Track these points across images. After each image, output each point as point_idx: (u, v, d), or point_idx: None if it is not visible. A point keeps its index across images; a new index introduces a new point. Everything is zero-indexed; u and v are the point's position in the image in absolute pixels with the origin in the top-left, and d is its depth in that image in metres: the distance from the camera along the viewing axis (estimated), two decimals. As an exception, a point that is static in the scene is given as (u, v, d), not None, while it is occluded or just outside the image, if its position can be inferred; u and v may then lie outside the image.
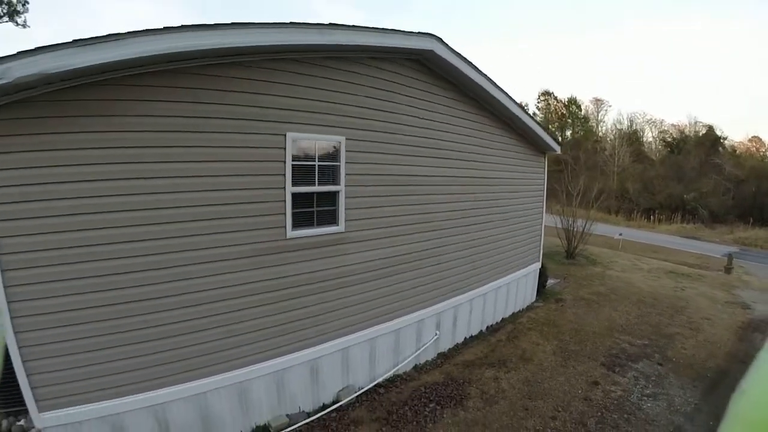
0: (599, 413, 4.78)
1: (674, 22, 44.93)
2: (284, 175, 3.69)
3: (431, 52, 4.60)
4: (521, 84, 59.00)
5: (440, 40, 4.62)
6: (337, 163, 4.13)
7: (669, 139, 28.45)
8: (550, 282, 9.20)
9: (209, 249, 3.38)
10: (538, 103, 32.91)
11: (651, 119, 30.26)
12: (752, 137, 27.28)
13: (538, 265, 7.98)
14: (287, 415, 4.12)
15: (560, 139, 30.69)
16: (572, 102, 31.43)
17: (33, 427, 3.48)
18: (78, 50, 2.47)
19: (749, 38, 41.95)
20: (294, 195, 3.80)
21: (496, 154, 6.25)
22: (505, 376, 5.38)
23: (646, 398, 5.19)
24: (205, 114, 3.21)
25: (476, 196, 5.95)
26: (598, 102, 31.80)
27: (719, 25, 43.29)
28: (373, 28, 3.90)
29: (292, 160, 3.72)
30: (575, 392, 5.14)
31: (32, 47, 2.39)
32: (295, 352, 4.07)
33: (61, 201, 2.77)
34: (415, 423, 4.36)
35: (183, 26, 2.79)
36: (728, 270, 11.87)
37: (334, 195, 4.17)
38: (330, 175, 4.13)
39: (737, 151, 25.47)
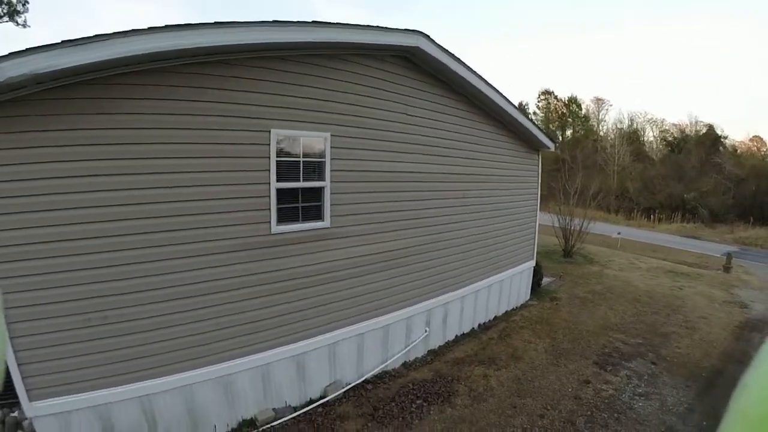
0: (589, 412, 4.68)
1: (675, 22, 44.49)
2: (269, 171, 3.70)
3: (417, 48, 4.55)
4: (522, 84, 58.65)
5: (426, 36, 4.56)
6: (323, 160, 4.12)
7: (670, 139, 28.10)
8: (546, 280, 9.09)
9: (194, 243, 3.40)
10: (539, 102, 32.74)
11: (652, 118, 29.98)
12: (753, 137, 26.92)
13: (533, 263, 7.87)
14: (274, 409, 4.11)
15: (561, 138, 30.51)
16: (572, 101, 31.15)
17: (26, 419, 3.48)
18: (66, 51, 2.51)
19: (749, 38, 41.40)
20: (279, 190, 3.81)
21: (487, 151, 6.16)
22: (494, 373, 5.30)
23: (638, 397, 5.08)
24: (190, 111, 3.23)
25: (467, 193, 5.87)
26: (599, 101, 31.52)
27: (719, 25, 42.76)
28: (356, 25, 3.88)
29: (277, 156, 3.73)
30: (565, 391, 5.04)
31: (23, 48, 2.44)
32: (280, 346, 4.05)
33: (50, 197, 2.82)
34: (401, 419, 4.31)
35: (167, 26, 2.81)
36: (727, 269, 11.67)
37: (319, 191, 4.16)
38: (315, 170, 4.12)
39: (738, 151, 25.09)
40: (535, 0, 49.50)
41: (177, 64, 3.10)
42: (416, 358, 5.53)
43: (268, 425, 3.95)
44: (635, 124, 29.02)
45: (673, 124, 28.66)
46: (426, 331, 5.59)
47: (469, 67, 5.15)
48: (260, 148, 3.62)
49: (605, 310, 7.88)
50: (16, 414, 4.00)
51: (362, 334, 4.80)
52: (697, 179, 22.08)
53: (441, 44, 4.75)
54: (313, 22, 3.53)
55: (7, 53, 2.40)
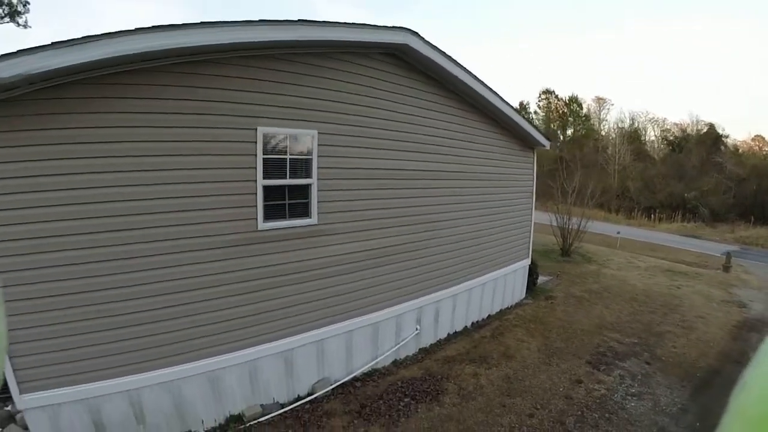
0: (579, 412, 4.59)
1: (675, 21, 43.84)
2: (255, 168, 3.68)
3: (406, 45, 4.50)
4: (523, 83, 58.13)
5: (415, 33, 4.50)
6: (310, 157, 4.10)
7: (671, 138, 27.71)
8: (542, 279, 8.98)
9: (180, 240, 3.40)
10: (539, 101, 32.38)
11: (653, 118, 29.59)
12: (755, 136, 26.43)
13: (528, 261, 7.76)
14: (261, 406, 4.10)
15: (562, 137, 30.21)
16: (573, 100, 30.79)
17: (19, 411, 3.48)
18: (57, 52, 2.55)
19: (750, 38, 40.72)
20: (266, 188, 3.79)
21: (480, 148, 6.07)
22: (485, 372, 5.22)
23: (630, 397, 4.98)
24: (178, 110, 3.25)
25: (459, 190, 5.79)
26: (600, 101, 31.14)
27: (720, 25, 42.09)
28: (343, 23, 3.85)
29: (264, 154, 3.71)
30: (556, 390, 4.96)
31: (16, 49, 2.49)
32: (267, 342, 4.03)
33: (37, 193, 2.85)
34: (387, 417, 4.26)
35: (154, 27, 2.84)
36: (727, 268, 11.47)
37: (306, 188, 4.14)
38: (303, 168, 4.10)
39: (740, 150, 24.67)
40: (535, 0, 49.02)
41: (167, 64, 3.12)
42: (407, 356, 5.47)
43: (255, 421, 3.93)
44: (636, 124, 28.73)
45: (675, 124, 28.33)
46: (417, 329, 5.53)
47: (459, 64, 5.07)
48: (247, 146, 3.61)
49: (601, 309, 7.76)
50: (9, 408, 4.01)
51: (351, 331, 4.75)
52: (697, 178, 21.77)
53: (430, 41, 4.68)
54: (299, 20, 3.51)
55: (0, 54, 2.45)
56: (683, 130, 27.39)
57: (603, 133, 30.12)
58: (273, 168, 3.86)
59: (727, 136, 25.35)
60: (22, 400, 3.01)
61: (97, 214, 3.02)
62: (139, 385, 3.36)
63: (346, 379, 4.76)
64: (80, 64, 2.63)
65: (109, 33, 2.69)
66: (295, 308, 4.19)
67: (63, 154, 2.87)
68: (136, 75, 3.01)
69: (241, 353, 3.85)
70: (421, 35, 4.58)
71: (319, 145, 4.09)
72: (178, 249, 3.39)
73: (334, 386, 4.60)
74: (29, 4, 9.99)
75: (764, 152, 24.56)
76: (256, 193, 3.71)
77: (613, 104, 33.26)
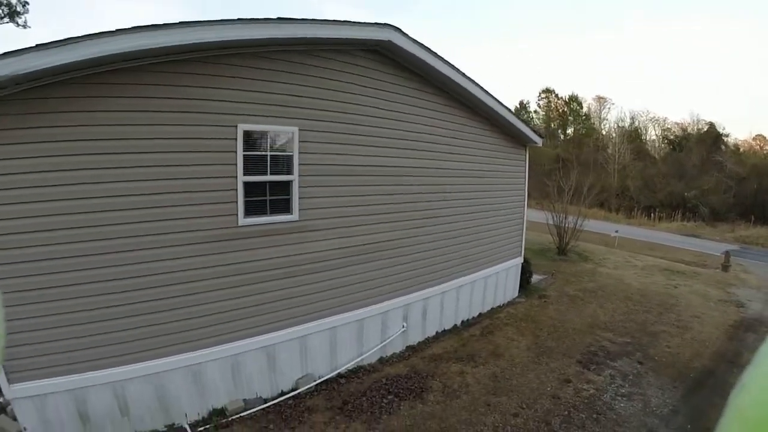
0: (566, 412, 4.45)
1: (676, 21, 43.03)
2: (236, 164, 3.68)
3: (390, 42, 4.43)
4: (523, 83, 57.49)
5: (398, 30, 4.42)
6: (290, 154, 4.08)
7: (671, 137, 27.21)
8: (537, 278, 8.81)
9: (163, 235, 3.42)
10: (539, 100, 31.96)
11: (654, 117, 29.07)
12: (756, 135, 25.87)
13: (520, 259, 7.60)
14: (244, 400, 4.08)
15: (562, 137, 29.80)
16: (573, 99, 30.35)
17: (10, 403, 3.46)
18: (42, 53, 2.59)
19: (750, 38, 39.84)
20: (246, 184, 3.77)
21: (469, 145, 5.94)
22: (471, 370, 5.10)
23: (620, 398, 4.83)
24: (159, 108, 3.29)
25: (446, 187, 5.66)
26: (600, 100, 30.67)
27: (720, 25, 41.25)
28: (324, 20, 3.85)
29: (244, 151, 3.70)
30: (544, 389, 4.82)
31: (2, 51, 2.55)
32: (249, 337, 4.01)
33: (24, 190, 2.85)
34: (369, 413, 4.18)
35: (135, 27, 2.89)
36: (725, 268, 11.19)
37: (287, 184, 4.11)
38: (283, 164, 4.08)
39: (740, 149, 24.14)
40: (535, 0, 48.30)
41: (149, 63, 3.15)
42: (393, 353, 5.37)
43: (238, 415, 3.90)
44: (637, 123, 28.25)
45: (676, 123, 27.82)
46: (403, 326, 5.42)
47: (444, 60, 4.96)
48: (227, 143, 3.61)
49: (595, 308, 7.58)
50: (0, 400, 3.99)
51: (334, 327, 4.67)
52: (698, 177, 21.34)
53: (414, 38, 4.58)
54: (278, 18, 3.50)
55: None
56: (684, 129, 26.90)
57: (603, 132, 29.69)
58: (254, 164, 3.86)
59: (727, 135, 24.91)
60: (10, 390, 3.04)
61: (83, 209, 3.06)
62: (123, 377, 3.38)
63: (330, 375, 4.68)
64: (63, 65, 2.67)
65: (91, 34, 2.73)
66: (276, 304, 4.15)
67: (50, 152, 2.90)
68: (120, 74, 3.05)
69: (223, 347, 3.85)
70: (405, 31, 4.48)
71: (300, 141, 4.07)
72: (160, 244, 3.40)
73: (317, 382, 4.54)
74: (28, 4, 10.05)
75: (765, 151, 24.02)
76: (236, 190, 3.70)
77: (613, 104, 32.75)
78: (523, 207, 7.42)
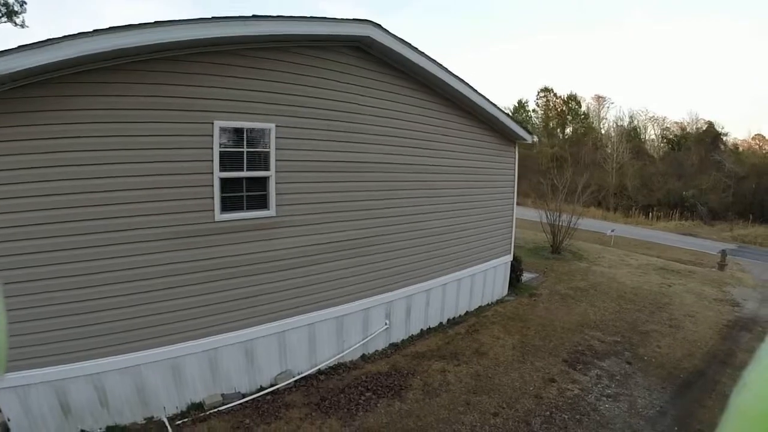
0: (548, 412, 4.27)
1: (676, 21, 42.18)
2: (212, 161, 3.64)
3: (369, 38, 4.33)
4: (523, 82, 56.62)
5: (377, 25, 4.31)
6: (267, 150, 4.02)
7: (670, 137, 26.63)
8: (528, 276, 8.60)
9: (139, 230, 3.41)
10: (537, 99, 31.47)
11: (653, 116, 28.48)
12: (755, 135, 25.21)
13: (509, 257, 7.40)
14: (222, 395, 4.04)
15: (561, 136, 29.30)
16: (572, 98, 29.83)
17: None
18: (24, 54, 2.63)
19: (751, 38, 38.89)
20: (223, 180, 3.74)
21: (455, 141, 5.77)
22: (454, 369, 4.93)
23: (605, 399, 4.63)
24: (137, 106, 3.29)
25: (431, 183, 5.50)
26: (599, 99, 30.12)
27: (719, 25, 40.33)
28: (300, 17, 3.80)
29: (220, 147, 3.67)
30: (526, 389, 4.64)
31: None
32: (226, 332, 3.96)
33: (7, 186, 2.88)
34: (346, 410, 4.08)
35: (111, 27, 2.91)
36: (722, 267, 10.86)
37: (264, 180, 4.04)
38: (260, 160, 4.02)
39: (740, 149, 23.54)
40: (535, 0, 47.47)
41: (125, 62, 3.16)
42: (376, 351, 5.23)
43: (215, 409, 3.86)
44: (635, 122, 27.70)
45: (675, 123, 27.22)
46: (386, 323, 5.27)
47: (425, 55, 4.81)
48: (204, 140, 3.58)
49: (585, 307, 7.36)
50: None
51: (314, 324, 4.55)
52: (696, 177, 20.87)
53: (394, 33, 4.46)
54: (254, 16, 3.48)
55: None
56: (683, 129, 26.31)
57: (602, 131, 29.16)
58: (230, 161, 3.82)
59: (726, 135, 24.31)
60: (-7, 381, 3.01)
61: (62, 205, 3.07)
62: (102, 369, 3.37)
63: (310, 371, 4.57)
64: (44, 65, 2.71)
65: (70, 35, 2.77)
66: (254, 299, 4.07)
67: (30, 150, 2.93)
68: (97, 74, 3.08)
69: (200, 342, 3.81)
70: (384, 27, 4.35)
71: (277, 137, 4.01)
72: (138, 239, 3.39)
73: (296, 378, 4.44)
74: (26, 3, 10.05)
75: (764, 151, 23.40)
76: (212, 185, 3.66)
77: (612, 103, 32.10)
78: (513, 204, 7.22)
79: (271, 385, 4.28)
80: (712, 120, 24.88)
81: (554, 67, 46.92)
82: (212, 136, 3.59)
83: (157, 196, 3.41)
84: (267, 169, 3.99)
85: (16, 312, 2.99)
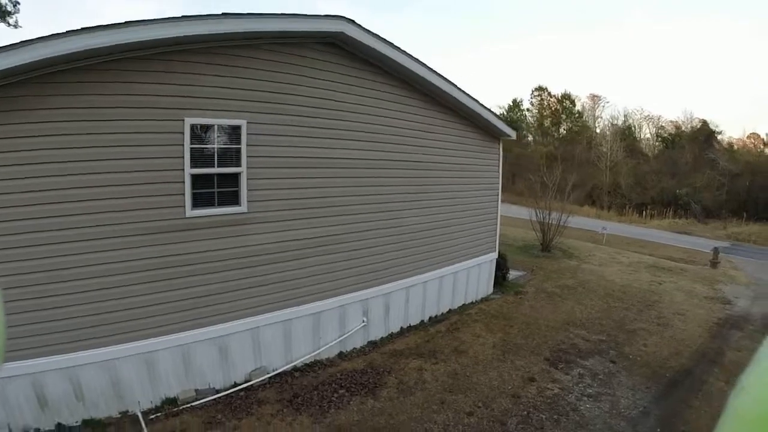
0: (525, 412, 4.06)
1: (675, 20, 41.57)
2: (183, 157, 3.60)
3: (343, 34, 4.20)
4: (520, 81, 55.94)
5: (351, 21, 4.19)
6: (239, 146, 3.93)
7: (665, 135, 26.16)
8: (515, 274, 8.36)
9: (112, 225, 3.38)
10: (532, 98, 31.04)
11: (648, 116, 27.99)
12: (750, 134, 24.69)
13: (494, 255, 7.17)
14: (196, 390, 3.97)
15: (557, 134, 28.83)
16: (566, 97, 29.39)
17: None
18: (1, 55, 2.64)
19: (750, 38, 38.19)
20: (194, 176, 3.68)
21: (434, 137, 5.59)
22: (431, 367, 4.73)
23: (586, 398, 4.40)
24: (108, 104, 3.27)
25: (411, 180, 5.32)
26: (595, 98, 29.66)
27: (720, 25, 39.66)
28: (270, 14, 3.74)
29: (191, 144, 3.63)
30: (504, 388, 4.42)
31: None
32: (199, 328, 3.88)
33: None
34: (318, 407, 3.93)
35: (84, 28, 2.91)
36: (714, 264, 10.53)
37: (236, 176, 3.94)
38: (232, 157, 3.93)
39: (735, 147, 23.04)
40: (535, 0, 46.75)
41: (96, 62, 3.15)
42: (354, 348, 5.04)
43: (188, 405, 3.79)
44: (630, 120, 27.24)
45: (670, 121, 26.73)
46: (364, 321, 5.08)
47: (402, 50, 4.67)
48: (174, 136, 3.55)
49: (572, 305, 7.11)
50: None
51: (289, 320, 4.41)
52: (690, 175, 20.42)
53: (369, 29, 4.33)
54: (223, 14, 3.45)
55: None
56: (677, 127, 25.81)
57: (598, 130, 28.70)
58: (201, 157, 3.76)
59: (720, 133, 23.80)
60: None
61: (33, 201, 3.06)
62: (77, 363, 3.33)
63: (285, 368, 4.43)
64: (20, 65, 2.72)
65: (44, 36, 2.78)
66: (226, 295, 3.97)
67: (9, 148, 2.93)
68: (73, 73, 3.09)
69: (173, 337, 3.73)
70: (358, 23, 4.21)
71: (249, 134, 3.93)
72: (109, 235, 3.37)
73: (271, 375, 4.31)
74: (19, 4, 10.00)
75: (759, 149, 22.88)
76: (184, 182, 3.62)
77: (608, 102, 31.51)
78: (497, 201, 7.00)
79: (246, 382, 4.17)
80: (706, 118, 24.41)
81: (554, 67, 46.39)
82: (183, 133, 3.54)
83: (129, 193, 3.38)
84: (238, 165, 3.91)
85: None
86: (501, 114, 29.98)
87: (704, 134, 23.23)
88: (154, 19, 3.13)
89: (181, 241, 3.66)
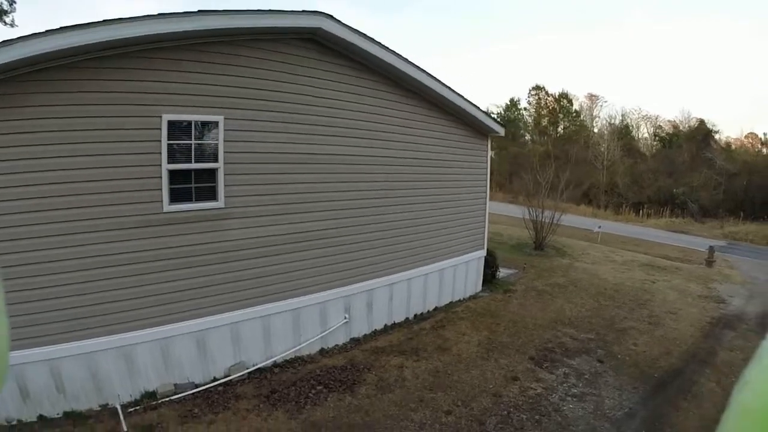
0: (505, 411, 3.88)
1: (675, 21, 40.77)
2: (160, 153, 3.58)
3: (320, 29, 4.09)
4: (523, 82, 55.18)
5: (329, 16, 4.07)
6: (216, 142, 3.86)
7: (663, 135, 25.61)
8: (505, 272, 8.14)
9: (91, 220, 3.36)
10: (529, 97, 30.54)
11: (646, 115, 27.45)
12: (748, 133, 24.08)
13: (483, 252, 6.98)
14: (175, 384, 3.89)
15: (555, 134, 28.33)
16: (563, 96, 28.89)
17: None
18: None
19: (750, 38, 37.30)
20: (172, 171, 3.65)
21: (418, 133, 5.43)
22: (412, 365, 4.56)
23: (570, 399, 4.21)
24: (87, 101, 3.26)
25: (393, 176, 5.17)
26: (593, 98, 29.14)
27: (720, 25, 38.83)
28: (246, 10, 3.67)
29: (169, 140, 3.60)
30: (486, 387, 4.25)
31: None
32: (178, 322, 3.82)
33: None
34: (294, 403, 3.82)
35: (62, 27, 2.90)
36: (710, 263, 10.21)
37: (213, 172, 3.87)
38: (209, 152, 3.87)
39: (732, 146, 22.48)
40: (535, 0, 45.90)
41: (77, 60, 3.13)
42: (336, 345, 4.90)
43: (167, 398, 3.77)
44: (627, 120, 26.71)
45: (668, 121, 26.18)
46: (345, 317, 4.93)
47: (382, 45, 4.53)
48: (152, 133, 3.53)
49: (561, 304, 6.89)
50: None
51: (268, 315, 4.29)
52: (687, 174, 19.95)
53: (348, 24, 4.20)
54: (199, 11, 3.43)
55: None
56: (675, 127, 25.27)
57: (596, 130, 28.19)
58: (179, 153, 3.72)
59: (717, 132, 23.24)
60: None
61: (13, 197, 3.04)
62: (57, 355, 3.30)
63: (265, 364, 4.32)
64: (6, 63, 2.73)
65: (23, 36, 2.79)
66: (205, 289, 3.90)
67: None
68: (51, 72, 3.07)
69: (152, 330, 3.69)
70: (336, 18, 4.08)
71: (226, 130, 3.87)
72: (90, 229, 3.34)
73: (250, 370, 4.21)
74: (15, 3, 9.99)
75: (757, 149, 22.30)
76: (161, 177, 3.59)
77: (606, 101, 30.87)
78: (485, 198, 6.80)
79: (225, 376, 4.09)
80: (704, 118, 23.86)
81: (553, 67, 45.68)
82: (161, 129, 3.52)
83: (107, 188, 3.36)
84: (215, 161, 3.85)
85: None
86: (498, 113, 29.61)
87: (702, 133, 22.72)
88: (130, 18, 3.11)
89: (159, 236, 3.62)
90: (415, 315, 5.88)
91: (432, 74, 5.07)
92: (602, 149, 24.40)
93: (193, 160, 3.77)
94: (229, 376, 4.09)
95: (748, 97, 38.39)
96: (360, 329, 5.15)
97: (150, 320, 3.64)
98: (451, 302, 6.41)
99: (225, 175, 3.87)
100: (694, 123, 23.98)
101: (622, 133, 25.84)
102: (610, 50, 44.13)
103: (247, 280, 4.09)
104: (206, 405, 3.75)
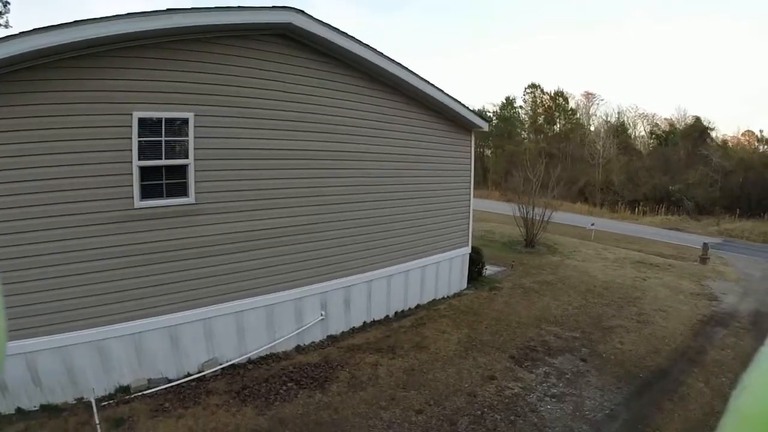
0: (479, 411, 3.66)
1: (675, 21, 39.80)
2: (131, 150, 3.53)
3: (291, 24, 3.95)
4: (522, 82, 54.14)
5: (300, 11, 3.94)
6: (186, 138, 3.77)
7: (659, 133, 24.95)
8: (493, 269, 7.88)
9: (63, 216, 3.30)
10: (525, 96, 29.97)
11: (643, 113, 26.78)
12: (745, 131, 23.30)
13: (467, 249, 6.73)
14: (149, 379, 3.83)
15: (552, 132, 27.74)
16: (559, 95, 28.29)
17: None
18: None
19: (750, 38, 36.25)
20: (142, 168, 3.60)
21: (398, 129, 5.23)
22: (387, 362, 4.36)
23: (548, 399, 3.97)
24: (58, 100, 3.22)
25: (370, 172, 4.96)
26: (589, 96, 28.51)
27: (720, 25, 37.82)
28: (214, 8, 3.56)
29: (139, 137, 3.56)
30: (461, 386, 4.03)
31: None
32: (150, 317, 3.73)
33: None
34: (264, 399, 3.69)
35: (35, 29, 2.88)
36: (704, 260, 9.82)
37: (184, 168, 3.78)
38: (180, 149, 3.79)
39: (729, 144, 21.77)
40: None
41: (50, 61, 3.09)
42: (312, 342, 4.73)
43: (140, 393, 3.74)
44: (624, 118, 26.08)
45: (665, 119, 25.51)
46: (322, 314, 4.73)
47: (356, 39, 4.36)
48: (123, 130, 3.49)
49: (548, 301, 6.62)
50: None
51: (241, 312, 4.15)
52: (683, 171, 19.37)
53: (320, 18, 4.04)
54: (167, 9, 3.41)
55: None
56: (671, 125, 24.58)
57: (592, 128, 27.57)
58: (149, 149, 3.66)
59: (713, 129, 22.53)
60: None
61: (6, 192, 3.04)
62: (33, 348, 3.25)
63: (238, 360, 4.19)
64: None
65: (3, 37, 2.82)
66: (176, 285, 3.80)
67: None
68: (28, 72, 3.04)
69: (124, 325, 3.62)
70: (307, 13, 3.93)
71: (196, 126, 3.77)
72: (62, 225, 3.30)
73: (224, 366, 4.09)
74: (9, 4, 10.04)
75: (753, 146, 21.57)
76: (132, 174, 3.54)
77: (602, 100, 30.11)
78: (469, 195, 6.55)
79: (198, 372, 3.98)
80: (699, 115, 23.17)
81: (553, 67, 44.72)
82: (131, 126, 3.47)
83: (79, 185, 3.32)
84: (186, 157, 3.76)
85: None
86: (494, 112, 29.13)
87: (698, 131, 22.07)
88: (100, 18, 3.07)
89: (131, 232, 3.56)
90: (396, 312, 5.67)
91: (409, 68, 4.86)
92: (598, 147, 23.86)
93: (163, 157, 3.70)
94: (202, 371, 3.98)
95: (744, 96, 37.42)
96: (337, 327, 4.96)
97: (123, 315, 3.58)
98: (434, 300, 6.18)
99: (196, 171, 3.76)
100: (690, 121, 23.32)
101: (619, 130, 25.24)
102: (609, 49, 43.28)
103: (220, 276, 3.97)
104: (177, 400, 3.66)
